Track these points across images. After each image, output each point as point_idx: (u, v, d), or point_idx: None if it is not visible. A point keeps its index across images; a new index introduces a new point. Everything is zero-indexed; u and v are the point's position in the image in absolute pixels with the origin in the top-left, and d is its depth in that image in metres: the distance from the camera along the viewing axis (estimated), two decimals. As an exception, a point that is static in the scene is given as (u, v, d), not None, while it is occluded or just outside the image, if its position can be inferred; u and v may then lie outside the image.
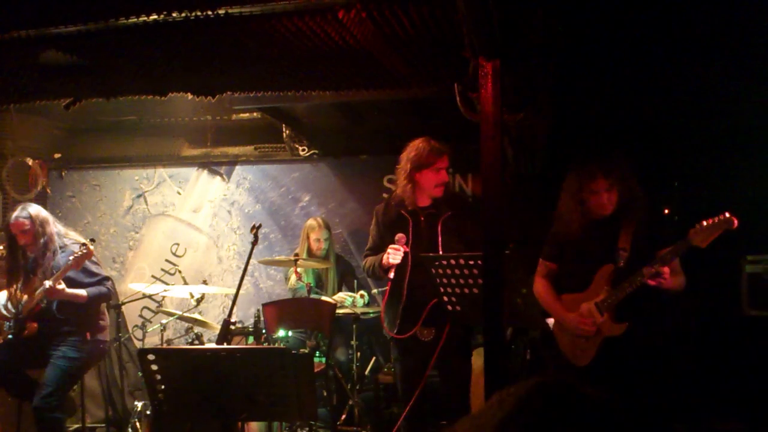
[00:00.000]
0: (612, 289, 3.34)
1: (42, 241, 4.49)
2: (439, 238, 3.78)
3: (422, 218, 3.86)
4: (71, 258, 4.32)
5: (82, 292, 4.45)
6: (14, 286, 4.57)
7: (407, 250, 3.76)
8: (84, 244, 4.38)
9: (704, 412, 4.42)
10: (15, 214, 4.57)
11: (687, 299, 3.57)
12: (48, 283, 4.28)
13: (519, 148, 4.41)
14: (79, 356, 4.48)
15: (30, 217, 4.52)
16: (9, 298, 4.57)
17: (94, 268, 4.57)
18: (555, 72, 3.47)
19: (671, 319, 4.01)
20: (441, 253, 3.72)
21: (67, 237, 4.67)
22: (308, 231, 5.42)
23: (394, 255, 3.74)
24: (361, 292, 5.27)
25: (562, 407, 0.96)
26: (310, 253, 5.33)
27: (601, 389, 0.96)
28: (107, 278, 4.66)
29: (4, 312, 4.56)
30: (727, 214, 3.12)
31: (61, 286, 4.33)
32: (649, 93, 4.57)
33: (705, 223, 3.16)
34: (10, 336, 4.47)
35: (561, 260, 3.63)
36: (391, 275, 3.77)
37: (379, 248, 3.95)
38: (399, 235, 3.78)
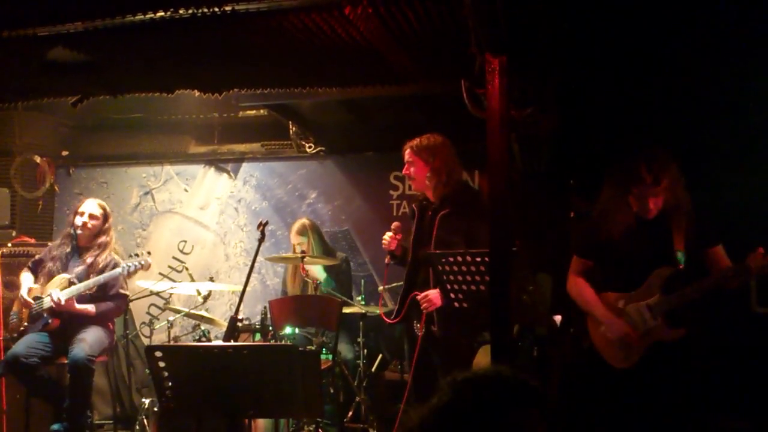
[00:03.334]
0: (667, 293, 3.20)
1: (102, 239, 4.71)
2: (434, 233, 3.82)
3: (429, 213, 3.92)
4: (130, 265, 4.57)
5: (91, 308, 4.59)
6: (41, 279, 4.70)
7: (398, 237, 3.94)
8: (137, 255, 4.69)
9: (711, 411, 4.40)
10: (92, 199, 4.83)
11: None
12: (80, 287, 4.45)
13: (525, 144, 4.40)
14: (106, 332, 4.68)
15: (104, 212, 4.75)
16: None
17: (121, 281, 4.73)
18: (562, 68, 3.46)
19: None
20: (432, 248, 3.76)
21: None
22: None
23: (386, 241, 3.95)
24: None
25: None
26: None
27: (644, 394, 1.02)
28: (125, 296, 4.84)
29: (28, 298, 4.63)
30: None
31: (85, 307, 4.55)
32: (656, 89, 4.54)
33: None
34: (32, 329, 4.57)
35: (600, 259, 3.46)
36: (386, 261, 4.02)
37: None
38: (395, 224, 3.99)
